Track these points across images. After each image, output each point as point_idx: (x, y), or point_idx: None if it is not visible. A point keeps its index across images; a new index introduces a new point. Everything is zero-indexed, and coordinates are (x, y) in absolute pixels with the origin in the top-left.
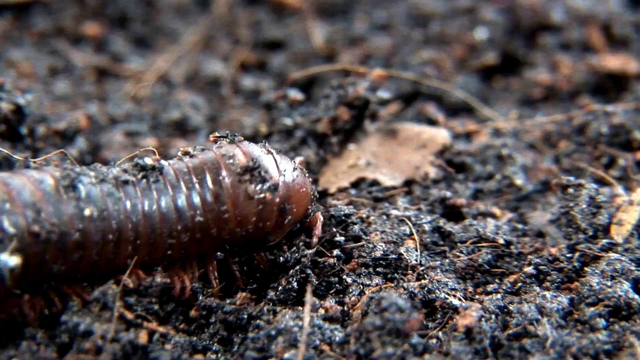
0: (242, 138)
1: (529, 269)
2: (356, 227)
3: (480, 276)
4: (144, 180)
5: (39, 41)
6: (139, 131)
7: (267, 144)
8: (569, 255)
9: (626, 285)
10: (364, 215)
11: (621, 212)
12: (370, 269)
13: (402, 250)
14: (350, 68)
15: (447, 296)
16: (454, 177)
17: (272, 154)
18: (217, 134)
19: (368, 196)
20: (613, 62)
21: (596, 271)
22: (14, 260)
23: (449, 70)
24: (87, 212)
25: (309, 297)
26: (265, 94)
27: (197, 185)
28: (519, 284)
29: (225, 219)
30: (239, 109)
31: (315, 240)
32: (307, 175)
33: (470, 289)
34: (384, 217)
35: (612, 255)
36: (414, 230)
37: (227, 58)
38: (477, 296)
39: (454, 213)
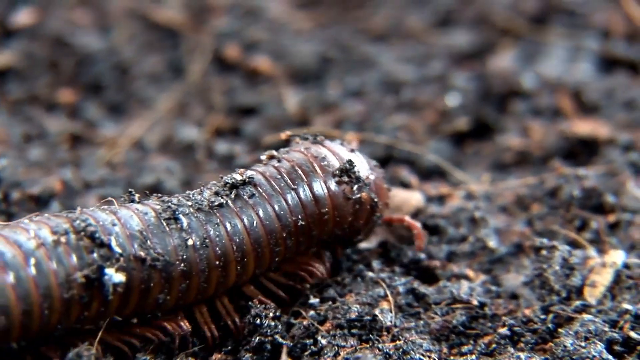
0: (324, 137)
1: (503, 330)
2: (331, 290)
3: (454, 337)
4: (238, 198)
5: (14, 108)
6: (113, 196)
7: (345, 142)
8: (542, 316)
9: (600, 346)
10: (339, 278)
11: (594, 274)
12: (345, 330)
13: (376, 311)
14: (324, 132)
15: (422, 357)
16: (428, 239)
17: (355, 151)
18: (289, 133)
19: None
20: (583, 127)
21: (570, 332)
22: (118, 277)
23: (422, 135)
24: (190, 242)
25: (284, 359)
26: (239, 159)
27: (294, 190)
28: (494, 345)
29: (325, 220)
30: (213, 174)
31: (421, 234)
32: (380, 167)
33: (445, 350)
34: (359, 278)
35: (586, 316)
36: (388, 292)
37: (201, 124)
38: (451, 357)
39: (428, 275)
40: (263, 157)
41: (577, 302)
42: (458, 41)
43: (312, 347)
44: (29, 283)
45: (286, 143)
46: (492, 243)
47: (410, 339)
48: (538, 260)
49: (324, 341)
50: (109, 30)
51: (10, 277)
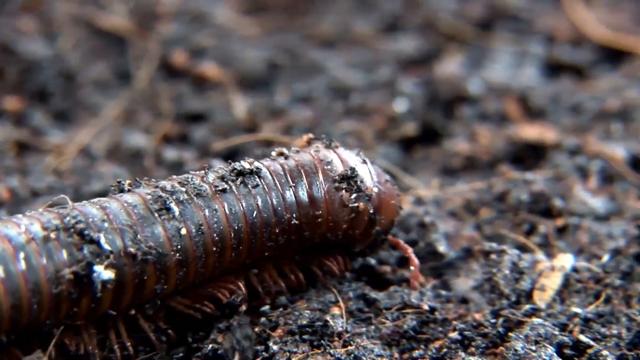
0: (339, 144)
1: (454, 335)
2: (282, 296)
3: (405, 342)
4: (243, 185)
5: None
6: (61, 204)
7: (361, 153)
8: (493, 320)
9: (550, 350)
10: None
11: (543, 277)
12: (297, 336)
13: (328, 317)
14: (273, 138)
15: None
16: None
17: (367, 163)
18: (312, 136)
19: None
20: (530, 132)
21: (520, 336)
22: (107, 274)
23: (370, 140)
24: (183, 231)
25: None
26: (188, 165)
27: (293, 188)
28: (444, 350)
29: (318, 222)
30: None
31: (417, 270)
32: (395, 186)
33: (396, 355)
34: (309, 284)
35: (536, 320)
36: (339, 298)
37: (149, 130)
38: None
39: (378, 280)
40: (273, 153)
41: (527, 306)
42: (405, 47)
43: (263, 353)
44: (18, 277)
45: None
46: (441, 248)
47: (362, 344)
48: (487, 265)
49: (275, 347)
50: (54, 37)
51: (0, 271)
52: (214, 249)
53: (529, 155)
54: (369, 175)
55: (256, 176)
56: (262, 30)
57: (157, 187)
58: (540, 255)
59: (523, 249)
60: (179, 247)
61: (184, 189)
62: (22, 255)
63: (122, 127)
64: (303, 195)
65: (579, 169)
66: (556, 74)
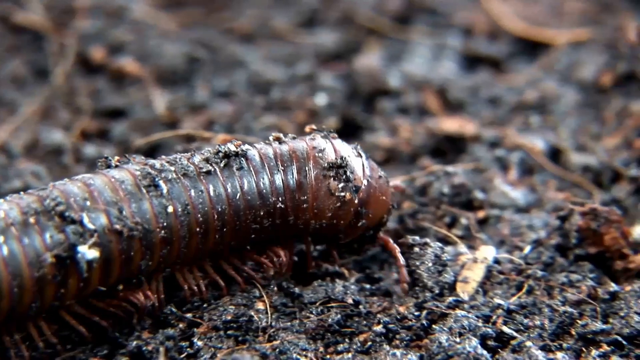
0: (336, 135)
1: (378, 328)
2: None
3: (330, 336)
4: (227, 168)
5: None
6: None
7: (358, 147)
8: (416, 313)
9: (474, 342)
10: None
11: (466, 269)
12: (222, 332)
13: (252, 312)
14: (195, 133)
15: (298, 357)
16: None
17: (362, 156)
18: (313, 126)
19: None
20: (450, 124)
21: (444, 328)
22: (92, 254)
23: (291, 135)
24: (170, 209)
25: None
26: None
27: (281, 172)
28: (369, 343)
29: (303, 208)
30: None
31: (403, 270)
32: (389, 185)
33: (322, 349)
34: (233, 280)
35: (459, 312)
36: (263, 293)
37: (67, 127)
38: (328, 356)
39: (302, 275)
40: (270, 138)
41: (450, 299)
42: (324, 41)
43: (188, 349)
44: None
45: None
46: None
47: (287, 338)
48: (411, 258)
49: (200, 343)
50: None
51: None
52: (198, 229)
53: (450, 148)
54: (360, 167)
55: (242, 158)
56: (180, 25)
57: (146, 164)
58: (462, 247)
59: (445, 241)
60: (165, 224)
61: (172, 168)
62: (1, 239)
63: (40, 124)
64: (291, 179)
65: (499, 161)
66: (474, 66)
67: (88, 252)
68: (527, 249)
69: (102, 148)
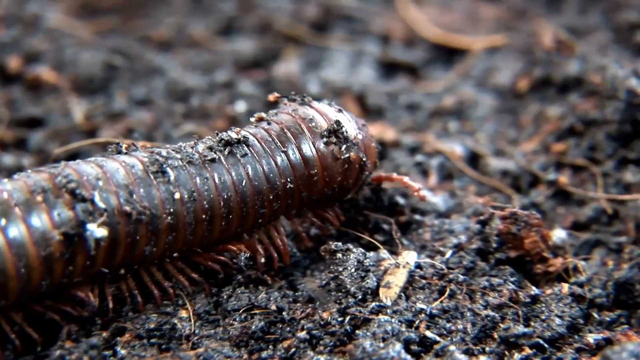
0: (310, 98)
1: (302, 334)
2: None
3: (254, 343)
4: (231, 155)
5: None
6: None
7: (333, 102)
8: (340, 319)
9: (398, 346)
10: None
11: (388, 275)
12: (145, 340)
13: (175, 320)
14: (113, 141)
15: None
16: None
17: (342, 111)
18: (277, 95)
19: None
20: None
21: (368, 334)
22: (100, 232)
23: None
24: (177, 195)
25: None
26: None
27: (284, 152)
28: (293, 349)
29: (314, 181)
30: None
31: (409, 183)
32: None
33: (245, 356)
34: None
35: (382, 317)
36: (186, 300)
37: None
38: None
39: (226, 281)
40: (252, 120)
41: (373, 304)
42: (243, 48)
43: (111, 358)
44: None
45: (273, 105)
46: (288, 247)
47: (211, 346)
48: (333, 263)
49: (123, 352)
50: None
51: None
52: (204, 216)
53: None
54: (350, 123)
55: (244, 145)
56: (96, 33)
57: (152, 152)
58: (384, 253)
59: (368, 247)
60: (171, 210)
61: (178, 156)
62: (3, 221)
63: None
64: (295, 157)
65: (417, 166)
66: (392, 73)
67: (97, 230)
68: (449, 253)
69: (19, 157)
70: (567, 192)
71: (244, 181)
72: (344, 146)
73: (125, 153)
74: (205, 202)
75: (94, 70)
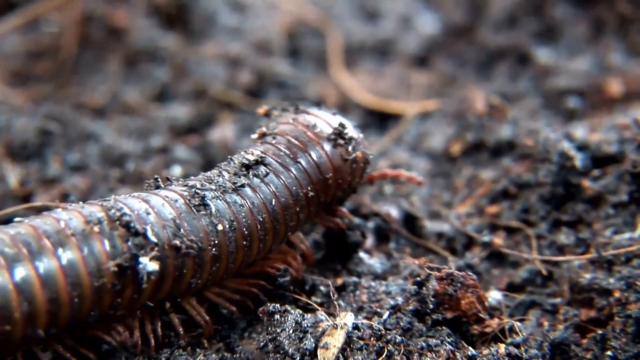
0: (304, 107)
1: None
2: None
3: None
4: (255, 177)
5: None
6: None
7: (323, 106)
8: None
9: None
10: None
11: (326, 336)
12: None
13: None
14: (50, 205)
15: None
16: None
17: (336, 114)
18: (266, 107)
19: None
20: None
21: None
22: (152, 266)
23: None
24: (220, 226)
25: None
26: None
27: (299, 163)
28: None
29: (329, 185)
30: None
31: (405, 174)
32: None
33: None
34: None
35: None
36: None
37: None
38: None
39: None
40: (254, 136)
41: None
42: (177, 114)
43: None
44: (55, 272)
45: (265, 117)
46: (224, 310)
47: None
48: (271, 325)
49: None
50: None
51: (37, 266)
52: (244, 242)
53: None
54: (349, 123)
55: (262, 165)
56: (30, 100)
57: (186, 185)
58: (322, 314)
59: (305, 308)
60: (215, 242)
61: (212, 187)
62: (60, 250)
63: None
64: (310, 165)
65: (355, 229)
66: None
67: (149, 264)
68: (386, 314)
69: None
70: (501, 253)
71: (273, 200)
72: (350, 146)
73: (163, 187)
74: (244, 229)
75: (28, 136)
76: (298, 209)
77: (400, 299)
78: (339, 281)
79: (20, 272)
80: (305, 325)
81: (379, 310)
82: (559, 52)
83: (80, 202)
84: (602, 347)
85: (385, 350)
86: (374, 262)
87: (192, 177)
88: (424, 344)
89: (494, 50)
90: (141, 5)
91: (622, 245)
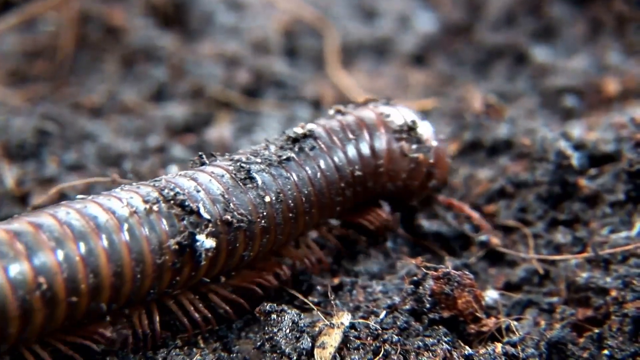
0: (396, 102)
1: None
2: None
3: None
4: (301, 151)
5: None
6: None
7: (419, 112)
8: None
9: None
10: None
11: (323, 335)
12: None
13: None
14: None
15: None
16: None
17: (425, 120)
18: (368, 97)
19: None
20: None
21: None
22: (209, 243)
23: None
24: (267, 198)
25: None
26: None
27: (353, 141)
28: None
29: (380, 172)
30: None
31: (476, 216)
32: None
33: None
34: None
35: None
36: None
37: None
38: None
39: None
40: (330, 112)
41: None
42: (174, 114)
43: None
44: (121, 247)
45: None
46: (221, 310)
47: None
48: (268, 324)
49: None
50: None
51: (103, 240)
52: (290, 215)
53: None
54: (429, 129)
55: (310, 139)
56: (27, 100)
57: (232, 159)
58: (319, 313)
59: (302, 308)
60: (264, 214)
61: (258, 160)
62: (125, 226)
63: None
64: (364, 146)
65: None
66: None
67: (206, 241)
68: (382, 314)
69: None
70: (498, 253)
71: (318, 174)
72: (415, 145)
73: (210, 164)
74: (290, 201)
75: (25, 136)
76: (343, 185)
77: (397, 299)
78: (336, 280)
79: (87, 245)
80: (302, 324)
81: (375, 309)
82: (556, 51)
83: (133, 183)
84: (599, 346)
85: (382, 350)
86: (371, 261)
87: (239, 151)
88: (420, 343)
89: (492, 50)
90: (138, 4)
91: (618, 244)
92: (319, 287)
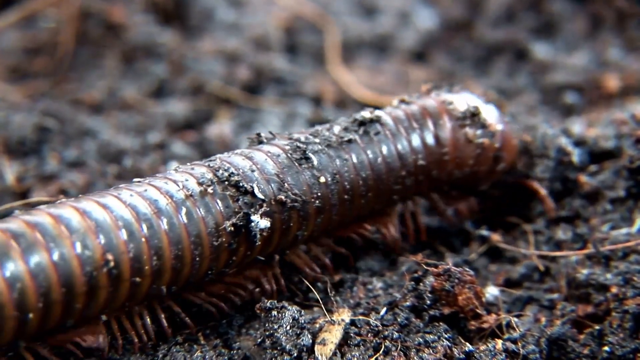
0: (459, 88)
1: None
2: None
3: None
4: (365, 135)
5: None
6: None
7: (486, 94)
8: None
9: None
10: None
11: (324, 332)
12: None
13: None
14: (46, 200)
15: None
16: None
17: (489, 104)
18: (429, 85)
19: None
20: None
21: None
22: (264, 223)
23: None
24: (322, 179)
25: None
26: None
27: (417, 130)
28: None
29: (445, 160)
30: None
31: (549, 204)
32: (515, 127)
33: None
34: None
35: None
36: None
37: None
38: None
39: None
40: (394, 102)
41: None
42: (175, 110)
43: None
44: (180, 229)
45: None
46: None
47: None
48: (269, 321)
49: None
50: None
51: (164, 224)
52: (346, 196)
53: None
54: (493, 113)
55: (377, 124)
56: (28, 96)
57: (291, 138)
58: (319, 310)
59: (303, 304)
60: (318, 194)
61: (317, 140)
62: (183, 210)
63: None
64: (428, 135)
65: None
66: None
67: (261, 221)
68: (383, 310)
69: None
70: (499, 249)
71: (379, 159)
72: (479, 131)
73: (266, 143)
74: (346, 183)
75: (26, 132)
76: (404, 174)
77: (397, 295)
78: (337, 277)
79: (150, 227)
80: (303, 321)
81: (376, 306)
82: (556, 47)
83: (188, 164)
84: (599, 342)
85: (383, 346)
86: (371, 258)
87: (301, 130)
88: (421, 339)
89: (492, 46)
90: (138, 1)
91: (619, 241)
92: (319, 284)
